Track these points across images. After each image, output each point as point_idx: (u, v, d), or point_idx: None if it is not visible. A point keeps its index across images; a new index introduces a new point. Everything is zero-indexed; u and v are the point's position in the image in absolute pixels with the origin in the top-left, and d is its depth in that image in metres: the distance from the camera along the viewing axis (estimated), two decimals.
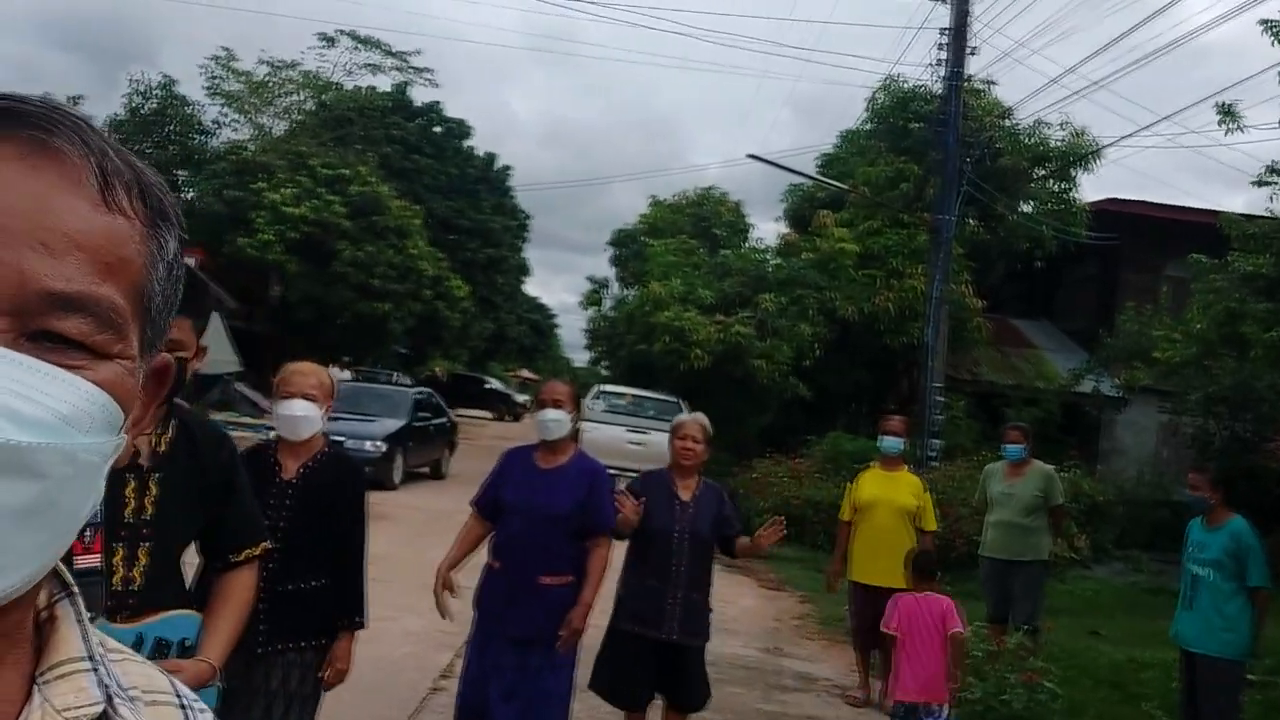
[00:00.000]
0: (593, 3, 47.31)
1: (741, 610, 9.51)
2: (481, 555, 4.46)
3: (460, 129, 36.39)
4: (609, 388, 19.11)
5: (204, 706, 0.77)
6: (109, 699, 0.66)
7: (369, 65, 33.25)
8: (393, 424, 16.03)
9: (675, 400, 17.54)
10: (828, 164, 23.53)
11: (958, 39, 15.83)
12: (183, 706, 0.75)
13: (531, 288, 47.49)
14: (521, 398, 47.87)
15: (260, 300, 26.51)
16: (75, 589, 0.69)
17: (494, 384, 47.80)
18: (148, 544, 2.28)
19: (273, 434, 3.66)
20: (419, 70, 34.20)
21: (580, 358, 43.78)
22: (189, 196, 28.10)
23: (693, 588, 4.73)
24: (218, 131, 29.85)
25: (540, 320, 51.96)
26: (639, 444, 16.46)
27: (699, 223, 24.58)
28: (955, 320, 17.47)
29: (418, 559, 8.80)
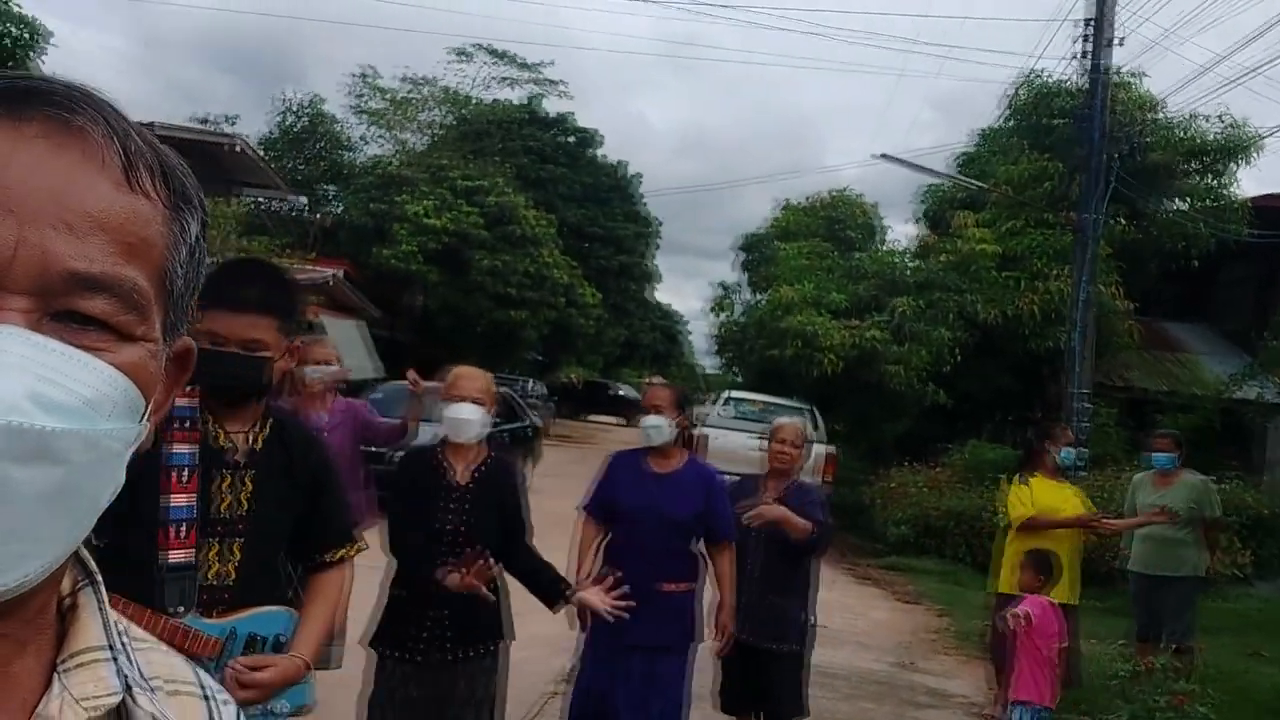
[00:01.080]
0: (724, 6, 47.18)
1: (873, 623, 9.28)
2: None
3: (591, 138, 36.88)
4: (737, 393, 18.96)
5: (228, 698, 0.77)
6: (128, 688, 0.65)
7: (504, 79, 34.12)
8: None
9: (805, 406, 17.29)
10: (966, 163, 22.82)
11: (1099, 30, 15.15)
12: (206, 697, 0.75)
13: (663, 294, 47.72)
14: None
15: (402, 310, 27.43)
16: (98, 576, 0.69)
17: (623, 390, 48.19)
18: (241, 540, 2.30)
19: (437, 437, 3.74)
20: (551, 82, 34.89)
21: (712, 364, 43.71)
22: (336, 211, 29.33)
23: (770, 590, 4.63)
24: (362, 147, 31.10)
25: (671, 327, 52.08)
26: (765, 450, 16.28)
27: (831, 225, 24.17)
28: (1103, 324, 16.68)
29: (555, 561, 8.93)
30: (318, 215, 29.58)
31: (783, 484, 4.77)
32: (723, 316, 25.98)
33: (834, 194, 25.39)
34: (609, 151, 37.95)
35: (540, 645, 6.86)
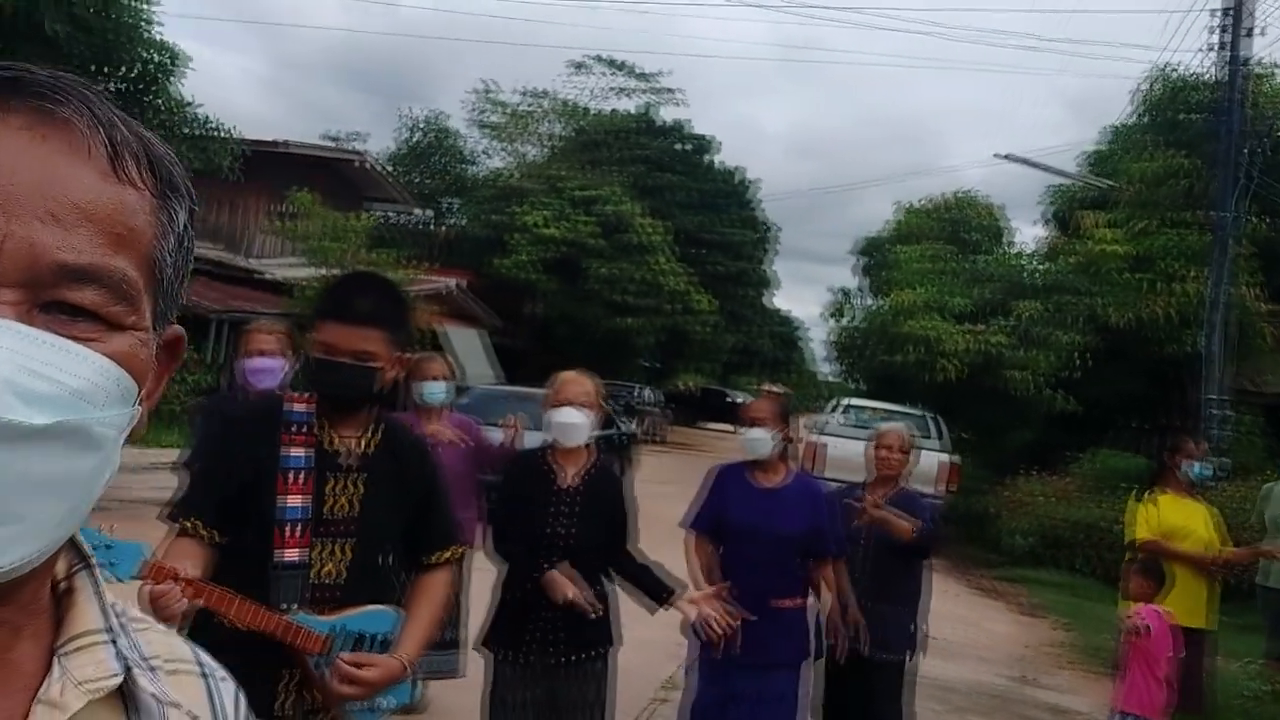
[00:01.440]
0: (841, 9, 46.60)
1: (991, 635, 9.01)
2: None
3: (705, 145, 36.88)
4: (853, 401, 18.66)
5: (225, 675, 0.77)
6: (128, 669, 0.66)
7: (619, 89, 34.45)
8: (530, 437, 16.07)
9: (924, 414, 16.89)
10: (1095, 162, 22.01)
11: (1237, 19, 14.41)
12: (204, 675, 0.75)
13: (780, 300, 47.29)
14: None
15: (520, 318, 27.94)
16: (94, 560, 0.69)
17: (739, 398, 47.93)
18: (350, 540, 2.37)
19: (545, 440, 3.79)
20: (667, 90, 35.06)
21: (831, 371, 43.09)
22: (458, 223, 30.10)
23: (880, 598, 4.52)
24: (483, 160, 31.84)
25: (788, 333, 51.54)
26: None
27: (951, 228, 23.60)
28: (1241, 326, 15.83)
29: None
30: (440, 227, 30.40)
31: (888, 490, 4.66)
32: (840, 322, 25.66)
33: (955, 196, 24.79)
34: (725, 158, 37.92)
35: (648, 650, 6.88)
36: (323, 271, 17.62)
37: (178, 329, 0.70)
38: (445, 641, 5.10)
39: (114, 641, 0.66)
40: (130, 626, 0.70)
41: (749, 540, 4.12)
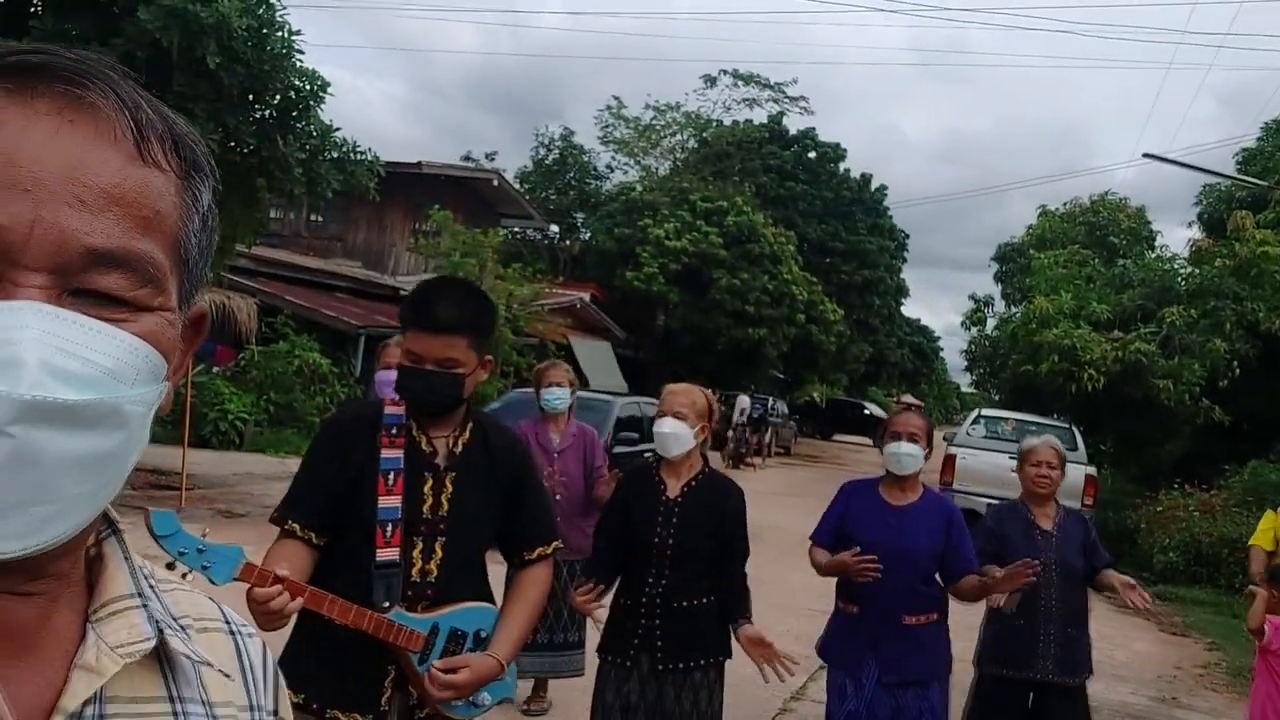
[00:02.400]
0: (980, 10, 45.38)
1: (1135, 655, 8.63)
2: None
3: (835, 153, 36.48)
4: (989, 412, 18.11)
5: (252, 632, 0.80)
6: (160, 632, 0.67)
7: (747, 99, 34.45)
8: None
9: (1066, 425, 16.29)
10: (1248, 160, 20.86)
11: None
12: (232, 632, 0.78)
13: (913, 309, 46.27)
14: None
15: (646, 329, 28.16)
16: (120, 525, 0.71)
17: (873, 409, 47.06)
18: (444, 539, 2.42)
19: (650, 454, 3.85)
20: (794, 99, 34.87)
21: (967, 381, 41.88)
22: (584, 237, 30.57)
23: (1068, 622, 4.34)
24: (610, 175, 32.28)
25: (923, 343, 50.37)
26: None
27: (1093, 232, 22.70)
28: None
29: (781, 580, 8.90)
30: (568, 242, 30.94)
31: (1050, 509, 4.46)
32: (974, 331, 24.99)
33: (1094, 199, 23.84)
34: (860, 165, 37.47)
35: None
36: None
37: (201, 307, 0.71)
38: (568, 643, 5.21)
39: (145, 605, 0.68)
40: (159, 588, 0.72)
41: (878, 560, 4.02)
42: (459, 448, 2.49)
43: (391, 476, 2.38)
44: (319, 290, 19.63)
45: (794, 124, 36.20)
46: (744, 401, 24.06)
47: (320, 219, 23.20)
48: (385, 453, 2.40)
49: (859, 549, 3.87)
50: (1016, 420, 16.82)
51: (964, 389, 56.47)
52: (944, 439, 20.26)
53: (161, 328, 0.63)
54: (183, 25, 9.36)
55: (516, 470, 2.57)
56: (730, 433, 23.65)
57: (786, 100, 34.88)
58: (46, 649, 0.64)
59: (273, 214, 21.25)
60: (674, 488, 3.59)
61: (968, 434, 16.28)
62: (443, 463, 2.46)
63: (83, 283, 0.60)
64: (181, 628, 0.71)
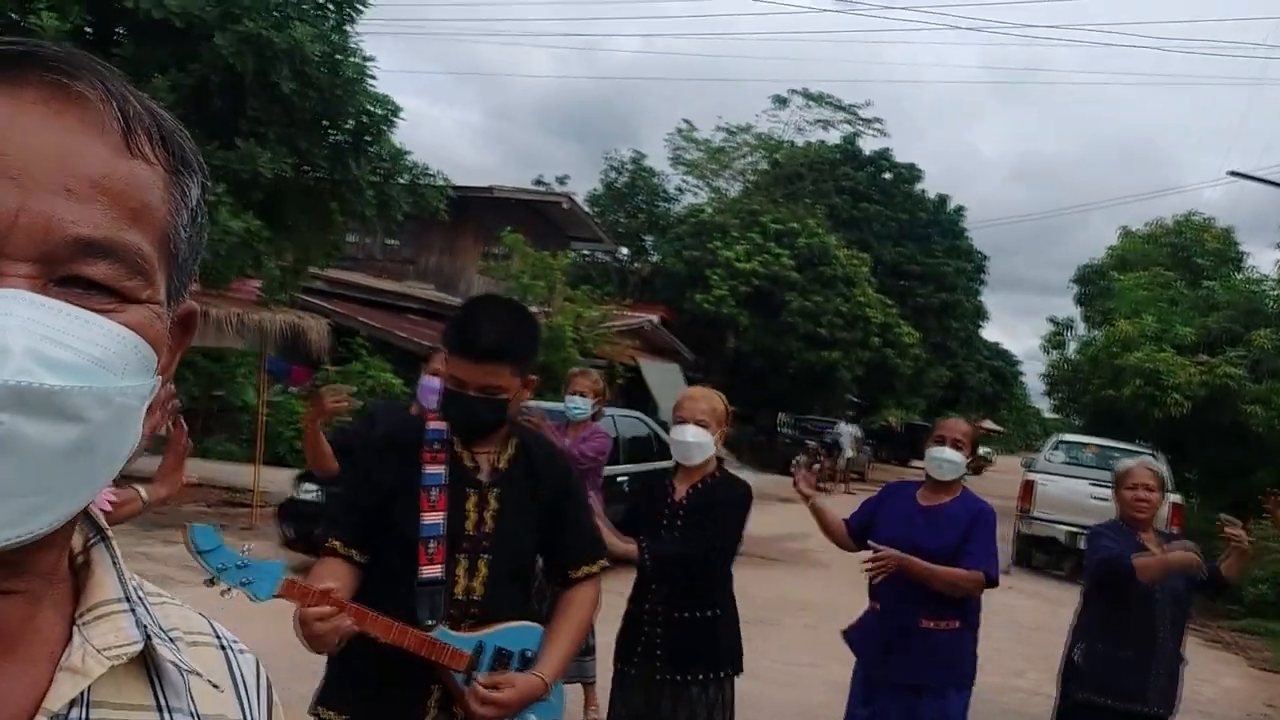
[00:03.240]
0: (1059, 27, 44.68)
1: (1222, 691, 8.23)
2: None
3: (910, 173, 36.07)
4: (1070, 437, 17.60)
5: (244, 648, 0.77)
6: (147, 638, 0.66)
7: (819, 121, 34.28)
8: None
9: (1149, 452, 15.75)
10: None
11: None
12: (223, 647, 0.75)
13: (993, 333, 45.42)
14: (983, 450, 45.64)
15: (716, 352, 28.05)
16: (109, 532, 0.69)
17: None
18: (488, 556, 2.37)
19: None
20: (867, 121, 34.61)
21: (1048, 406, 40.87)
22: (654, 259, 30.64)
23: (1177, 656, 4.16)
24: (680, 198, 32.34)
25: (1002, 367, 49.32)
26: (1103, 499, 14.96)
27: (1177, 253, 22.04)
28: None
29: (856, 606, 8.70)
30: (637, 264, 31.04)
31: (1153, 535, 4.23)
32: (1054, 355, 24.40)
33: (1178, 219, 23.15)
34: (938, 187, 37.00)
35: (839, 691, 6.70)
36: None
37: (191, 305, 0.70)
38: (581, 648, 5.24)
39: (133, 610, 0.67)
40: (148, 599, 0.70)
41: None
42: (503, 464, 2.45)
43: (434, 493, 2.35)
44: (392, 312, 19.96)
45: (869, 145, 35.97)
46: (848, 430, 23.79)
47: (395, 242, 23.62)
48: (428, 468, 2.37)
49: (875, 608, 3.81)
50: (1098, 446, 16.33)
51: (1045, 414, 55.11)
52: (1022, 465, 19.79)
53: (150, 320, 0.63)
54: (257, 51, 9.61)
55: (561, 487, 2.52)
56: (803, 457, 23.39)
57: (860, 122, 34.63)
58: (31, 650, 0.63)
59: (350, 238, 21.75)
60: (680, 490, 3.52)
61: (1047, 460, 15.83)
62: (486, 479, 2.42)
63: (70, 271, 0.59)
64: (170, 639, 0.69)
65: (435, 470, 2.37)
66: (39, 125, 0.59)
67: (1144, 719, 4.12)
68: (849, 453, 23.67)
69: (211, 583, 2.11)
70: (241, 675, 0.75)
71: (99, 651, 0.63)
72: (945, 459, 3.98)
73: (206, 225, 0.69)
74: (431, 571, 2.30)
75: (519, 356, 2.40)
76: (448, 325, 2.46)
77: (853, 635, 4.17)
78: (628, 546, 3.40)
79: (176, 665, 0.67)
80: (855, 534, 4.14)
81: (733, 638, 3.55)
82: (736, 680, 3.59)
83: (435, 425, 2.44)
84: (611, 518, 3.76)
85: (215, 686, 0.71)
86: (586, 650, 5.20)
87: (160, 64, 9.71)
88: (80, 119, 0.60)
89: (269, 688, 0.79)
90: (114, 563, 0.69)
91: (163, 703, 0.67)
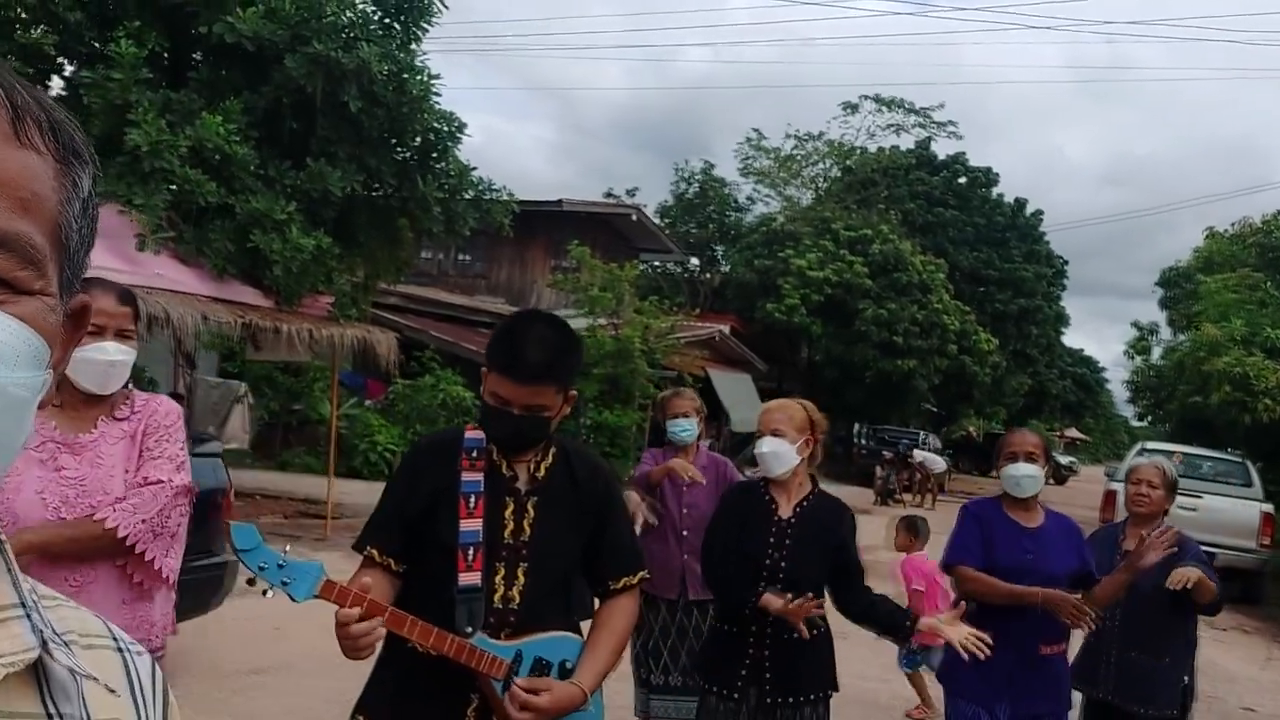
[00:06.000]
0: (1144, 23, 43.42)
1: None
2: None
3: (986, 177, 35.40)
4: (1154, 445, 17.07)
5: (141, 650, 0.76)
6: (43, 644, 0.64)
7: (891, 125, 33.87)
8: None
9: (1239, 460, 15.17)
10: None
11: None
12: (120, 650, 0.74)
13: (1077, 339, 44.27)
14: (1066, 459, 44.49)
15: (789, 362, 27.83)
16: (3, 537, 0.67)
17: None
18: (526, 565, 2.36)
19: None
20: (941, 124, 34.08)
21: (1133, 413, 39.68)
22: (725, 269, 30.53)
23: (1130, 645, 4.09)
24: (750, 207, 32.20)
25: (1086, 374, 48.05)
26: (1191, 509, 14.44)
27: (1265, 253, 21.22)
28: None
29: None
30: (708, 274, 30.97)
31: (1144, 532, 4.18)
32: (1138, 361, 23.70)
33: (1267, 219, 22.30)
34: (1018, 190, 36.25)
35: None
36: (595, 321, 18.40)
37: (83, 298, 0.69)
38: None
39: (29, 616, 0.65)
40: (41, 603, 0.68)
41: (1015, 584, 3.79)
42: (541, 473, 2.44)
43: (472, 500, 2.35)
44: (463, 325, 20.24)
45: (943, 149, 35.40)
46: (932, 458, 23.47)
47: (466, 257, 23.95)
48: (466, 476, 2.37)
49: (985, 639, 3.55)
50: (1184, 454, 15.79)
51: (1133, 423, 53.56)
52: (1106, 474, 19.20)
53: (42, 313, 0.62)
54: (326, 72, 9.83)
55: (600, 497, 2.50)
56: (879, 468, 23.08)
57: (933, 125, 34.10)
58: None
59: (424, 254, 22.14)
60: (786, 508, 3.45)
61: (1128, 469, 15.34)
62: (524, 487, 2.41)
63: None
64: (65, 643, 0.67)
65: (473, 478, 2.37)
66: None
67: (1103, 706, 4.13)
68: (938, 467, 23.29)
69: (252, 582, 2.13)
70: (138, 678, 0.74)
71: None
72: (1023, 474, 3.84)
73: (98, 216, 0.68)
74: (470, 579, 2.29)
75: (564, 376, 2.39)
76: (491, 343, 2.45)
77: (956, 673, 3.89)
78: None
79: (71, 670, 0.65)
80: (994, 573, 3.85)
81: (832, 654, 3.47)
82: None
83: (473, 434, 2.44)
84: None
85: (111, 691, 0.69)
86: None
87: (234, 87, 9.99)
88: None
89: (165, 689, 0.77)
90: (8, 568, 0.66)
91: (52, 710, 0.64)
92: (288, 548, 2.16)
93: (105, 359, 2.46)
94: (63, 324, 0.66)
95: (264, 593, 2.13)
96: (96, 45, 9.85)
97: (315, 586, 2.12)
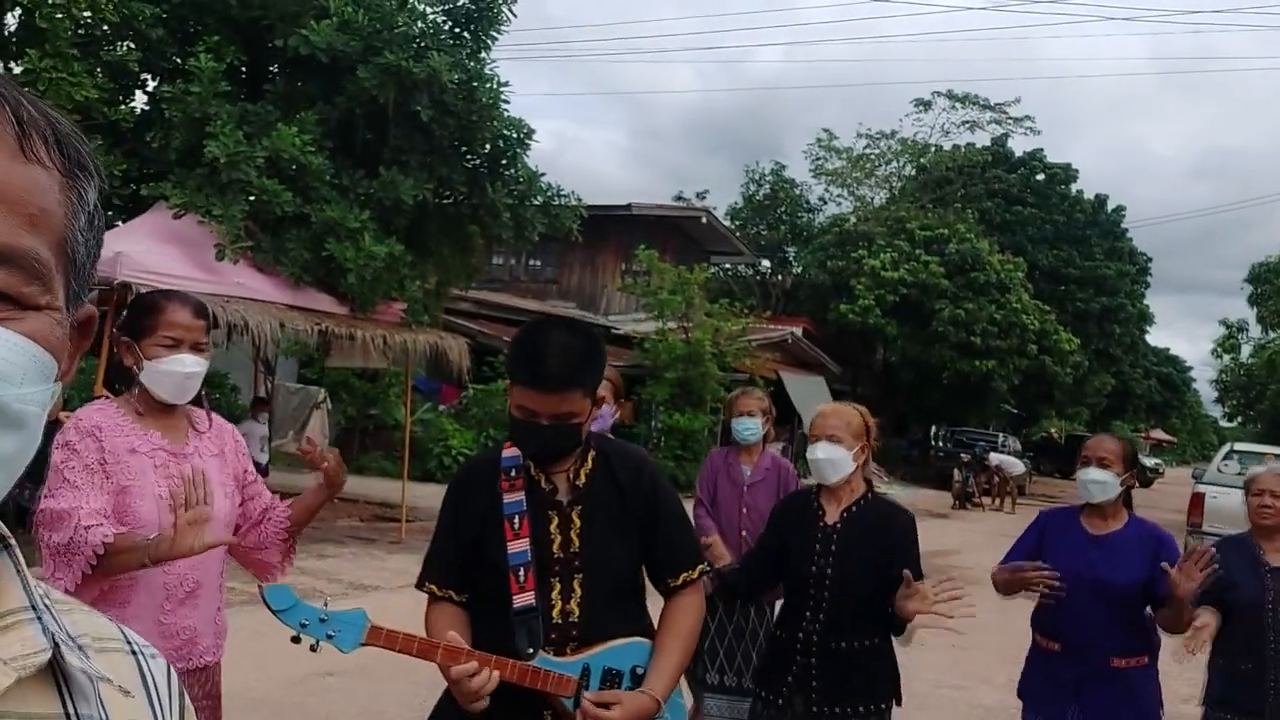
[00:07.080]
0: (1230, 11, 42.08)
1: None
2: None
3: (1065, 174, 34.56)
4: (1244, 446, 16.50)
5: (155, 653, 0.76)
6: (55, 646, 0.64)
7: (966, 122, 33.26)
8: None
9: None
10: None
11: None
12: (134, 653, 0.74)
13: (1162, 338, 43.04)
14: (1151, 461, 43.18)
15: (864, 364, 27.48)
16: (12, 540, 0.68)
17: None
18: (581, 576, 2.33)
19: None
20: (1017, 120, 33.38)
21: (1222, 413, 38.38)
22: (797, 271, 30.28)
23: None
24: (822, 208, 31.90)
25: (1171, 374, 46.63)
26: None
27: None
28: None
29: (1005, 627, 8.27)
30: (779, 276, 30.72)
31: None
32: (1226, 359, 22.91)
33: None
34: (1101, 186, 35.37)
35: (987, 716, 6.42)
36: (665, 324, 18.38)
37: (90, 309, 0.69)
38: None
39: (39, 619, 0.65)
40: (55, 607, 0.69)
41: (1081, 593, 3.67)
42: (582, 480, 2.42)
43: (516, 520, 2.34)
44: None
45: (1020, 145, 34.65)
46: (1009, 460, 23.01)
47: (537, 263, 24.13)
48: (507, 497, 2.36)
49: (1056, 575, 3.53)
50: (1275, 455, 15.19)
51: (1222, 423, 51.88)
52: (1193, 476, 18.59)
53: (49, 327, 0.62)
54: (398, 82, 9.98)
55: (646, 495, 2.45)
56: (956, 471, 22.68)
57: (1010, 121, 33.39)
58: None
59: (496, 260, 22.36)
60: (832, 513, 3.37)
61: (1219, 471, 14.86)
62: (565, 498, 2.39)
63: None
64: (79, 646, 0.68)
65: (514, 498, 2.36)
66: None
67: None
68: (1016, 470, 22.79)
69: (297, 640, 2.12)
70: (153, 680, 0.74)
71: (5, 662, 0.61)
72: (1091, 479, 3.72)
73: (104, 228, 0.68)
74: (524, 600, 2.28)
75: (589, 380, 2.35)
76: (511, 356, 2.42)
77: (1027, 683, 3.84)
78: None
79: (85, 672, 0.66)
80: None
81: (891, 666, 3.38)
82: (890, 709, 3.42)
83: (509, 453, 2.42)
84: None
85: (126, 693, 0.70)
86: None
87: (309, 98, 10.20)
88: None
89: (181, 692, 0.77)
90: (18, 571, 0.67)
91: (71, 711, 0.65)
92: (327, 600, 2.15)
93: (183, 371, 2.53)
94: (70, 335, 0.66)
95: (311, 648, 2.13)
96: (177, 60, 10.15)
97: (361, 634, 2.12)
